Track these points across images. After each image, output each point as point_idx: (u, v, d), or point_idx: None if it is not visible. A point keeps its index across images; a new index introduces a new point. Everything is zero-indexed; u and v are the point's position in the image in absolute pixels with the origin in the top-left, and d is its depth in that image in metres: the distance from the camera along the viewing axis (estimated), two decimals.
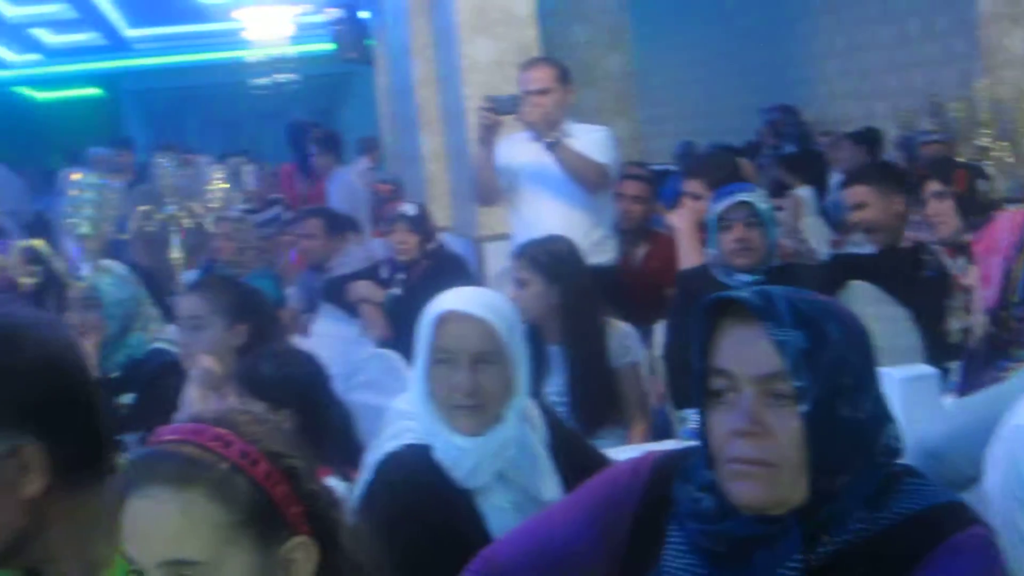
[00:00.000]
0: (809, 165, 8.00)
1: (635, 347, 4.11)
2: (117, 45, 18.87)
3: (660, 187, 5.93)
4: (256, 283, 4.90)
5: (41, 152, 14.36)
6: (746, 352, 1.59)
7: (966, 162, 4.78)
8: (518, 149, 5.10)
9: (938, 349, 3.83)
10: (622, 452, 3.02)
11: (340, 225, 6.65)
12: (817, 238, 6.09)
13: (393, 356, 4.30)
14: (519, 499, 2.46)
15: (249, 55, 16.28)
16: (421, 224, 5.64)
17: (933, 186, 4.42)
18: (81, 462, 1.63)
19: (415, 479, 2.40)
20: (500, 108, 4.97)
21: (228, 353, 3.46)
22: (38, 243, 4.04)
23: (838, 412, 1.56)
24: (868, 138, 8.56)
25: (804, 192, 7.28)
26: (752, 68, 13.31)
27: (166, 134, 12.51)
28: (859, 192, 4.54)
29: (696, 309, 1.65)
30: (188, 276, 5.76)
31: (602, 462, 2.58)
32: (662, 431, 4.11)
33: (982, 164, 4.77)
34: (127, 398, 3.73)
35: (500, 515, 2.42)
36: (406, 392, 2.66)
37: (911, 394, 2.77)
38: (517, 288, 3.93)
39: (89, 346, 3.68)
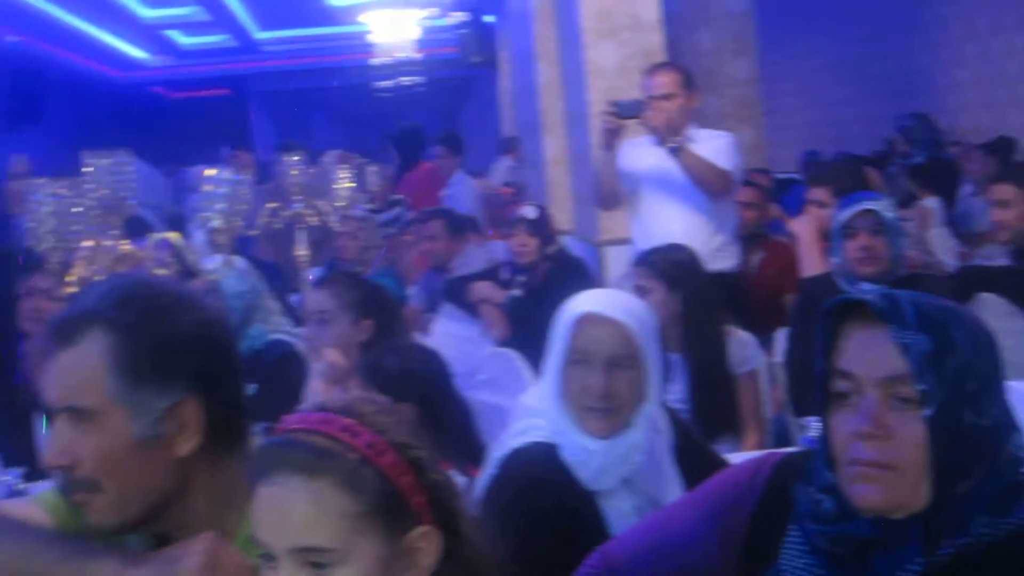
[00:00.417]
0: (938, 175, 7.87)
1: (754, 355, 4.09)
2: (246, 47, 19.25)
3: (784, 195, 5.88)
4: (379, 282, 4.97)
5: (171, 150, 14.72)
6: (870, 354, 1.58)
7: None
8: (641, 154, 5.10)
9: None
10: (735, 460, 3.01)
11: (462, 226, 6.71)
12: (944, 250, 5.99)
13: (513, 355, 4.33)
14: (642, 504, 2.46)
15: (374, 58, 16.49)
16: (541, 228, 5.67)
17: None
18: (228, 426, 1.74)
19: (540, 476, 2.41)
20: (624, 112, 4.97)
21: (353, 348, 3.53)
22: (173, 236, 4.17)
23: (962, 417, 1.55)
24: (1000, 148, 8.39)
25: (932, 203, 7.16)
26: (879, 76, 13.07)
27: (290, 135, 12.75)
28: (1004, 190, 4.45)
29: (820, 311, 1.65)
30: (312, 273, 5.87)
31: (725, 468, 2.58)
32: (781, 439, 4.08)
33: None
34: (249, 388, 3.82)
35: (622, 519, 2.42)
36: (529, 390, 2.67)
37: None
38: (638, 295, 3.94)
39: None
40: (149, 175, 11.74)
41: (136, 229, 4.55)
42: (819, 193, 4.79)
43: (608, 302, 2.50)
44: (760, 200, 5.48)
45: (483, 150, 14.31)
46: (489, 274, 5.95)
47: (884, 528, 1.58)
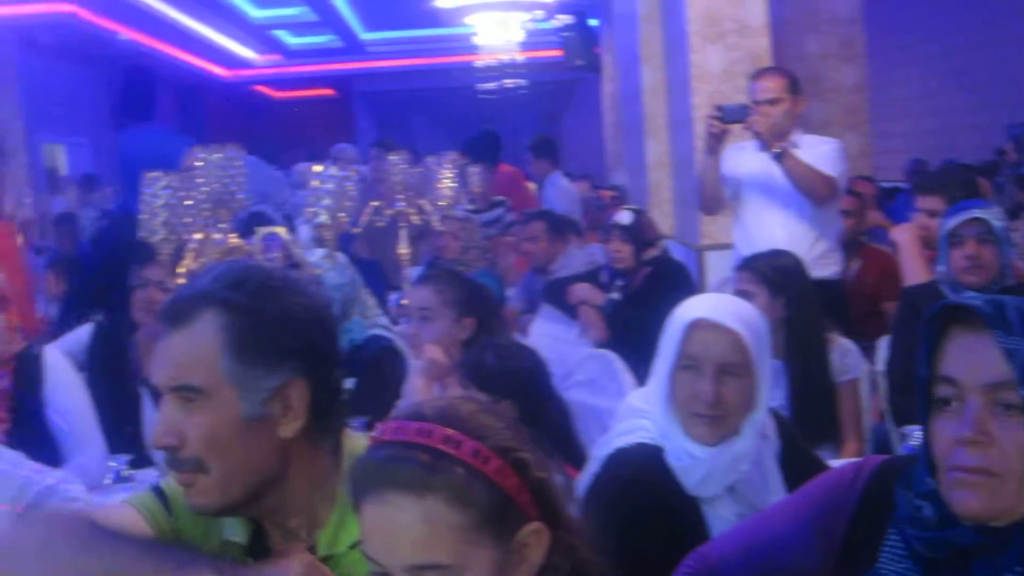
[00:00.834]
0: None
1: (856, 363, 4.06)
2: (352, 48, 19.49)
3: (889, 204, 5.81)
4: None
5: (276, 148, 14.97)
6: (974, 360, 1.57)
7: None
8: (744, 159, 5.08)
9: None
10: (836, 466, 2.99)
11: (562, 228, 6.73)
12: None
13: (611, 357, 4.33)
14: (745, 512, 2.43)
15: (478, 60, 16.58)
16: (636, 233, 5.63)
17: None
18: (329, 411, 1.78)
19: (644, 478, 2.40)
20: (728, 117, 4.95)
21: (454, 345, 3.57)
22: (280, 230, 4.25)
23: None
24: None
25: None
26: (987, 85, 12.83)
27: (393, 135, 12.88)
28: None
29: (924, 316, 1.64)
30: (413, 271, 5.94)
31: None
32: (880, 448, 4.04)
33: None
34: (348, 382, 3.87)
35: (724, 526, 2.38)
36: (635, 391, 2.66)
37: None
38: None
39: None
40: (266, 171, 11.91)
41: (256, 224, 4.62)
42: (931, 202, 4.70)
43: (722, 308, 2.47)
44: (858, 208, 5.41)
45: (586, 153, 14.32)
46: (589, 276, 5.96)
47: (985, 536, 1.57)
